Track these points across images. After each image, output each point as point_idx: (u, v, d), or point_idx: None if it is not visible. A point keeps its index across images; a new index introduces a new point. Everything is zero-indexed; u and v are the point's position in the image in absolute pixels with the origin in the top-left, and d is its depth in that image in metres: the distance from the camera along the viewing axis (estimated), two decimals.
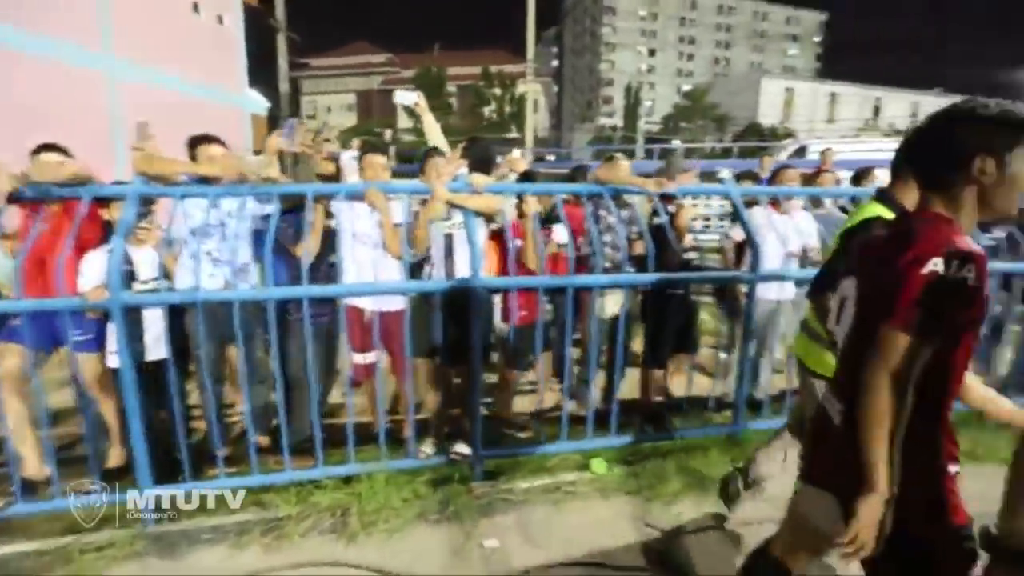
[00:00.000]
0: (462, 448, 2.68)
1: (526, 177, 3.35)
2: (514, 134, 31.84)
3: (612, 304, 3.11)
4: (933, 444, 1.12)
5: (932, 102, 40.36)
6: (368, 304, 2.65)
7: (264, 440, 2.75)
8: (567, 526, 2.35)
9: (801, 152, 15.77)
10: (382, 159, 2.75)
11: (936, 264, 1.01)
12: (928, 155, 1.17)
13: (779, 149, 17.26)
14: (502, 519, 2.38)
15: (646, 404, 3.18)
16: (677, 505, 2.49)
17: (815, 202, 3.65)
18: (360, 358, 2.76)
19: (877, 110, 40.84)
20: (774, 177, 3.59)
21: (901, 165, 1.79)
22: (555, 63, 70.56)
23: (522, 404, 3.46)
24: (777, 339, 3.37)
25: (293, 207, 2.53)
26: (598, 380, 3.14)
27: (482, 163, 3.23)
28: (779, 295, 3.17)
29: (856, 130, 32.95)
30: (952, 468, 1.12)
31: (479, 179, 2.67)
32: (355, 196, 2.57)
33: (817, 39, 71.99)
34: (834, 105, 41.24)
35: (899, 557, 1.12)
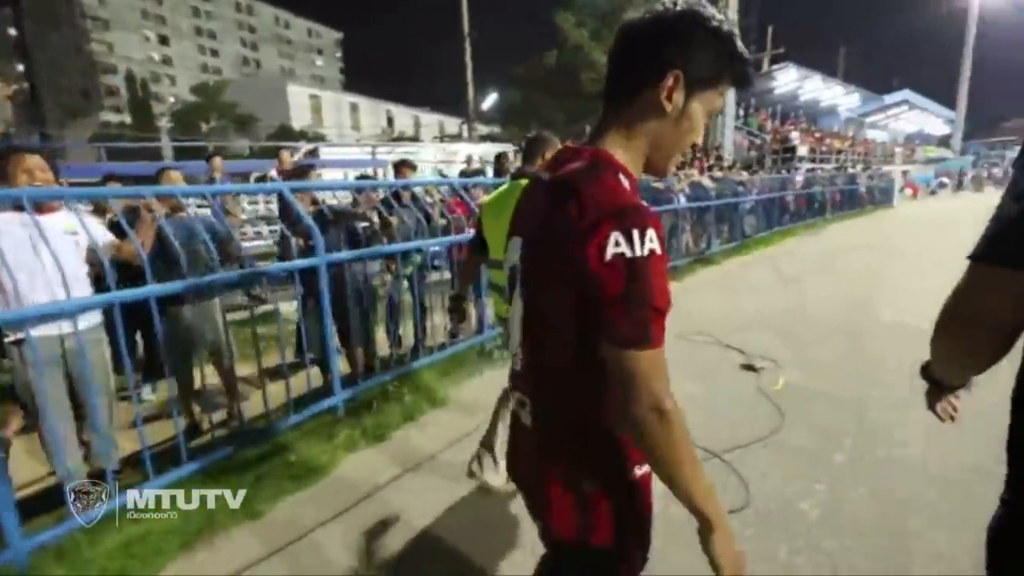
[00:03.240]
0: None
1: None
2: None
3: None
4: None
5: (428, 117, 51.04)
6: None
7: None
8: None
9: (314, 153, 16.49)
10: None
11: (618, 243, 0.75)
12: (622, 56, 0.88)
13: (295, 150, 17.38)
14: None
15: None
16: None
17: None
18: None
19: (391, 121, 48.22)
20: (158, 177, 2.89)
21: (537, 144, 2.29)
22: (12, 31, 50.70)
23: None
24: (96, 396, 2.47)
25: None
26: None
27: None
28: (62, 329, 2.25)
29: (376, 137, 37.73)
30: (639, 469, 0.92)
31: None
32: None
33: (338, 55, 79.06)
34: (357, 115, 46.09)
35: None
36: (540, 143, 2.32)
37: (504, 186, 2.33)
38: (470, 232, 4.25)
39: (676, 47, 0.82)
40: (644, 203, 0.81)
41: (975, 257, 0.73)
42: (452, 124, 42.81)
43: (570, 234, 0.78)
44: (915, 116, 38.36)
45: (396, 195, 4.01)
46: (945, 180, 27.40)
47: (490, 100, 28.01)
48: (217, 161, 6.54)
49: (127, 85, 38.45)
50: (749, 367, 3.68)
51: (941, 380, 0.99)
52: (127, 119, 38.30)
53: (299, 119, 38.32)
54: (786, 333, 4.52)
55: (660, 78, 0.82)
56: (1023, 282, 0.68)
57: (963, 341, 0.78)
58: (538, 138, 2.36)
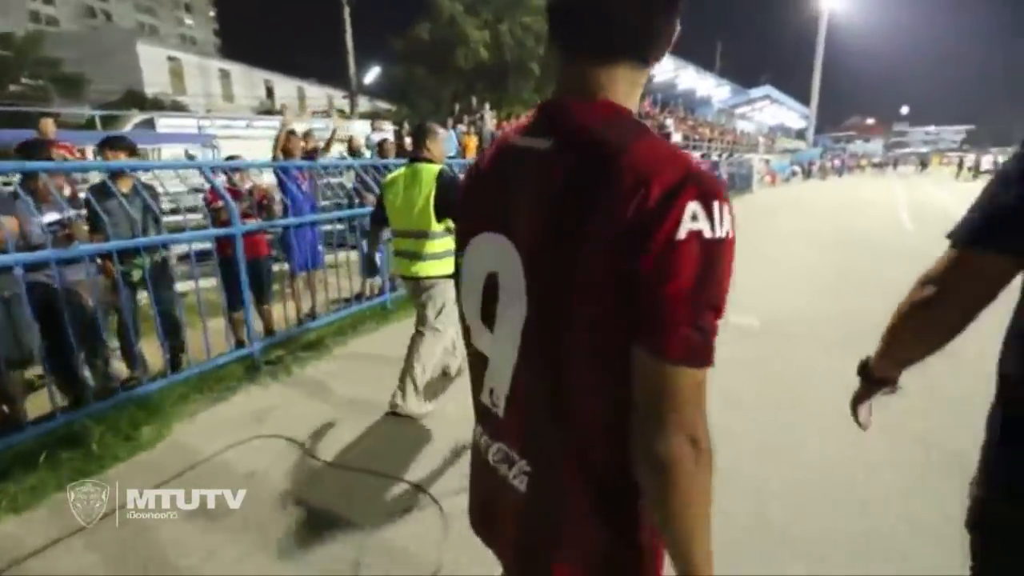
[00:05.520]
0: None
1: None
2: None
3: None
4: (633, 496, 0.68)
5: (315, 89, 47.13)
6: None
7: None
8: None
9: (150, 124, 14.30)
10: None
11: (696, 217, 0.55)
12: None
13: (127, 119, 14.92)
14: None
15: None
16: None
17: None
18: None
19: (270, 92, 43.82)
20: None
21: (422, 133, 2.79)
22: None
23: None
24: None
25: None
26: None
27: None
28: None
29: (253, 109, 34.02)
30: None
31: None
32: None
33: (212, 14, 70.30)
34: (229, 83, 41.26)
35: None
36: (423, 132, 2.78)
37: (403, 168, 2.81)
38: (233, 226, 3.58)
39: None
40: None
41: (961, 242, 0.75)
42: (342, 98, 39.51)
43: (627, 210, 0.56)
44: (776, 110, 42.39)
45: (108, 181, 3.16)
46: (796, 168, 30.58)
47: (373, 74, 26.35)
48: None
49: None
50: None
51: (878, 371, 0.97)
52: None
53: (155, 84, 33.38)
54: None
55: (671, 32, 0.66)
56: (1001, 267, 0.72)
57: (938, 315, 0.79)
58: (421, 127, 2.84)
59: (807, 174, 31.13)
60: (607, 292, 0.58)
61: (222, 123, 15.37)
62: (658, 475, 0.59)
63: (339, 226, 5.26)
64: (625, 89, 0.66)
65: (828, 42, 39.17)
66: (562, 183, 0.61)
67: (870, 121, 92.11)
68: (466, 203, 0.78)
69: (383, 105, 27.48)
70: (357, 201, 4.91)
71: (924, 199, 16.83)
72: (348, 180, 5.50)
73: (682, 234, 0.54)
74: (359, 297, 5.05)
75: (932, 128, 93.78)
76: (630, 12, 0.62)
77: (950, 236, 0.77)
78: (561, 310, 0.62)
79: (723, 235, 0.56)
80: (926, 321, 0.80)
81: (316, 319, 4.44)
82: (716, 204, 0.56)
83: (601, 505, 0.67)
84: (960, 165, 31.01)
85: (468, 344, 0.79)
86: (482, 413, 0.78)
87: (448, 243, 2.78)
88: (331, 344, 4.14)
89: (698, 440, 0.58)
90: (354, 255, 5.23)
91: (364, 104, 31.03)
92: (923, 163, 42.98)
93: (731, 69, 43.36)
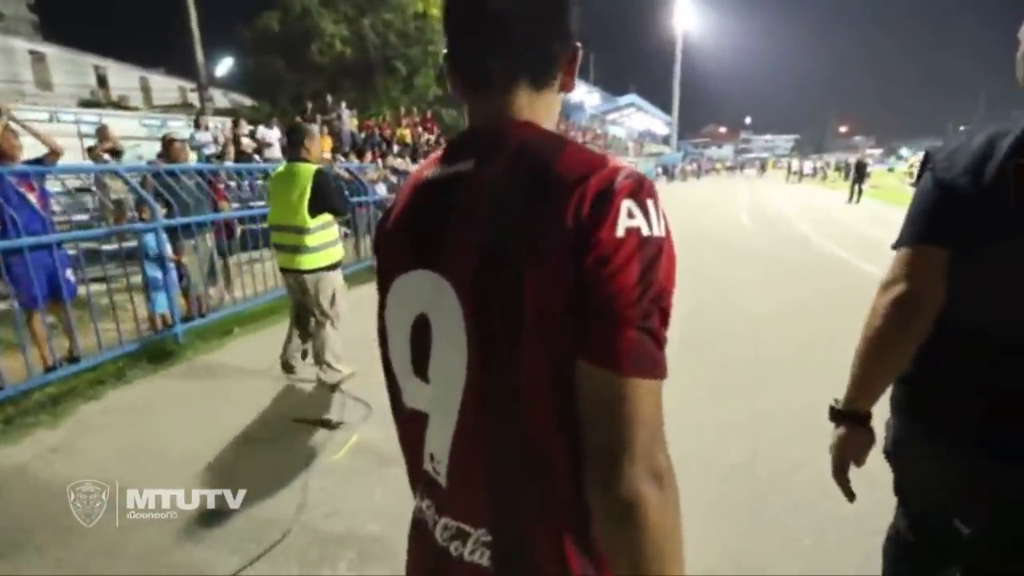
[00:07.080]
0: None
1: None
2: None
3: None
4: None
5: (165, 80, 41.51)
6: None
7: None
8: None
9: None
10: None
11: (632, 214, 0.54)
12: (518, 31, 0.62)
13: None
14: None
15: None
16: None
17: None
18: None
19: (103, 80, 37.64)
20: None
21: (299, 134, 3.00)
22: None
23: None
24: None
25: None
26: None
27: None
28: None
29: (78, 100, 28.84)
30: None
31: None
32: None
33: None
34: (45, 69, 34.65)
35: None
36: (300, 133, 3.00)
37: (282, 167, 3.07)
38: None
39: (572, 10, 0.63)
40: None
41: (911, 242, 0.88)
42: (191, 91, 34.63)
43: (567, 218, 0.53)
44: (643, 117, 45.81)
45: None
46: (659, 171, 33.22)
47: (226, 65, 23.78)
48: None
49: None
50: (325, 423, 2.86)
51: (856, 404, 0.97)
52: None
53: None
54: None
55: (572, 55, 0.65)
56: (938, 255, 0.85)
57: (911, 306, 0.87)
58: (298, 128, 3.08)
59: (671, 176, 33.91)
60: (559, 311, 0.53)
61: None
62: (620, 523, 0.51)
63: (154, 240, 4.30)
64: (532, 113, 0.63)
65: (684, 57, 43.29)
66: (497, 199, 0.58)
67: (723, 129, 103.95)
68: (381, 251, 0.71)
69: (244, 100, 24.79)
70: (133, 214, 3.99)
71: (762, 200, 18.98)
72: (116, 190, 4.52)
73: (620, 232, 0.52)
74: (150, 328, 4.14)
75: (769, 136, 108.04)
76: (527, 39, 0.61)
77: (898, 243, 0.90)
78: (513, 339, 0.55)
79: (660, 233, 0.54)
80: (905, 313, 0.88)
81: (72, 364, 3.51)
82: (650, 202, 0.55)
83: (577, 560, 0.59)
84: (789, 169, 35.82)
85: (399, 407, 0.70)
86: (425, 484, 0.68)
87: (327, 235, 3.06)
88: (79, 400, 3.25)
89: (661, 473, 0.51)
90: (137, 279, 4.29)
91: (220, 99, 27.85)
92: (762, 167, 49.18)
93: (604, 79, 46.15)
